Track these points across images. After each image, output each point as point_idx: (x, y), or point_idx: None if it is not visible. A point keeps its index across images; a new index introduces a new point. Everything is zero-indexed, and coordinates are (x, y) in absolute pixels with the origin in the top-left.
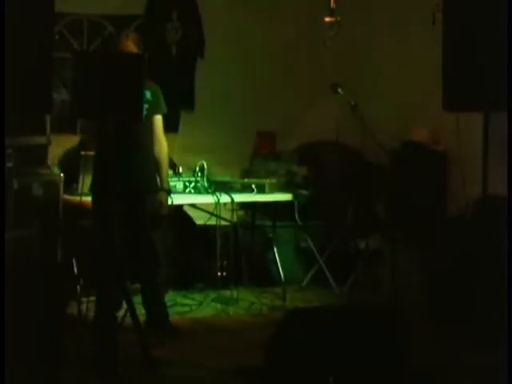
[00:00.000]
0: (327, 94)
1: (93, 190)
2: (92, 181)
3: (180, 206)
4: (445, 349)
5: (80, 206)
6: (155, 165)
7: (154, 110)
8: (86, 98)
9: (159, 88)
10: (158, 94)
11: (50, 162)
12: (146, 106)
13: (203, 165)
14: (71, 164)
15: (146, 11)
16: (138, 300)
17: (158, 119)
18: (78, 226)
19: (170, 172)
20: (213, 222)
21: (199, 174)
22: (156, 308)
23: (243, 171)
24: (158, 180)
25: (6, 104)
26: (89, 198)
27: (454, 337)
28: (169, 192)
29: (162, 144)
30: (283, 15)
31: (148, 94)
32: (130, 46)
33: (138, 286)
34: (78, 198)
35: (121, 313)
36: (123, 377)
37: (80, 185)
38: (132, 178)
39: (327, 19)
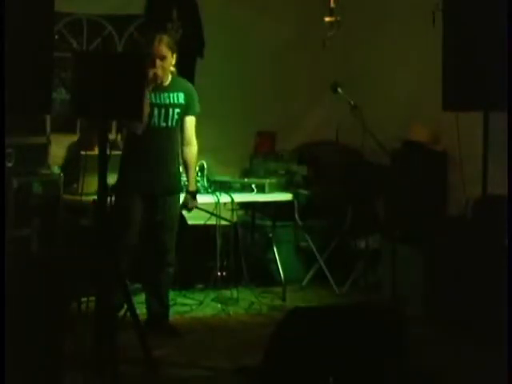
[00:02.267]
0: (327, 93)
1: (117, 188)
2: (118, 180)
3: None
4: (445, 349)
5: (80, 206)
6: (183, 166)
7: (186, 113)
8: (86, 98)
9: (193, 88)
10: (193, 95)
11: (49, 162)
12: (177, 110)
13: (203, 165)
14: (73, 165)
15: (145, 11)
16: (138, 300)
17: (191, 120)
18: (78, 226)
19: None
20: (213, 221)
21: (199, 174)
22: (157, 308)
23: (243, 171)
24: (185, 181)
25: (6, 104)
26: (88, 198)
27: (454, 337)
28: (194, 194)
29: (193, 146)
30: (283, 15)
31: (181, 98)
32: (164, 49)
33: (138, 285)
34: (78, 198)
35: (121, 313)
36: (123, 377)
37: (80, 185)
38: (158, 179)
39: (327, 19)
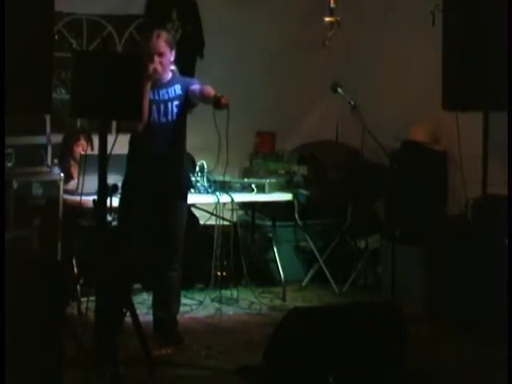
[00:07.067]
0: (327, 93)
1: (123, 189)
2: (124, 179)
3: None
4: (445, 348)
5: (80, 206)
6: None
7: (187, 99)
8: (86, 98)
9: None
10: (190, 81)
11: (49, 162)
12: (176, 103)
13: (203, 165)
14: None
15: (145, 11)
16: (137, 300)
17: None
18: (78, 226)
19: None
20: (213, 221)
21: (199, 174)
22: (160, 314)
23: (243, 171)
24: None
25: (6, 104)
26: (88, 198)
27: (454, 336)
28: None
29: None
30: (283, 15)
31: (178, 89)
32: (162, 45)
33: (137, 285)
34: (77, 198)
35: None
36: (123, 377)
37: (80, 185)
38: (159, 178)
39: (327, 19)
